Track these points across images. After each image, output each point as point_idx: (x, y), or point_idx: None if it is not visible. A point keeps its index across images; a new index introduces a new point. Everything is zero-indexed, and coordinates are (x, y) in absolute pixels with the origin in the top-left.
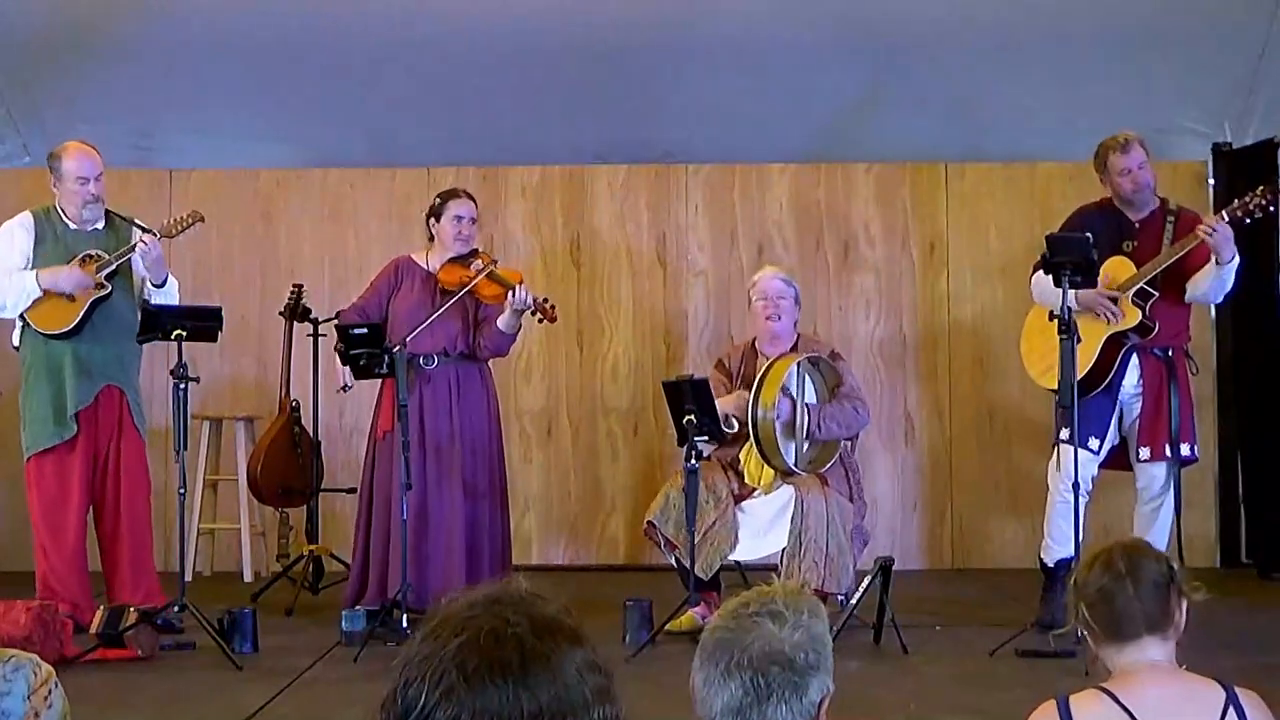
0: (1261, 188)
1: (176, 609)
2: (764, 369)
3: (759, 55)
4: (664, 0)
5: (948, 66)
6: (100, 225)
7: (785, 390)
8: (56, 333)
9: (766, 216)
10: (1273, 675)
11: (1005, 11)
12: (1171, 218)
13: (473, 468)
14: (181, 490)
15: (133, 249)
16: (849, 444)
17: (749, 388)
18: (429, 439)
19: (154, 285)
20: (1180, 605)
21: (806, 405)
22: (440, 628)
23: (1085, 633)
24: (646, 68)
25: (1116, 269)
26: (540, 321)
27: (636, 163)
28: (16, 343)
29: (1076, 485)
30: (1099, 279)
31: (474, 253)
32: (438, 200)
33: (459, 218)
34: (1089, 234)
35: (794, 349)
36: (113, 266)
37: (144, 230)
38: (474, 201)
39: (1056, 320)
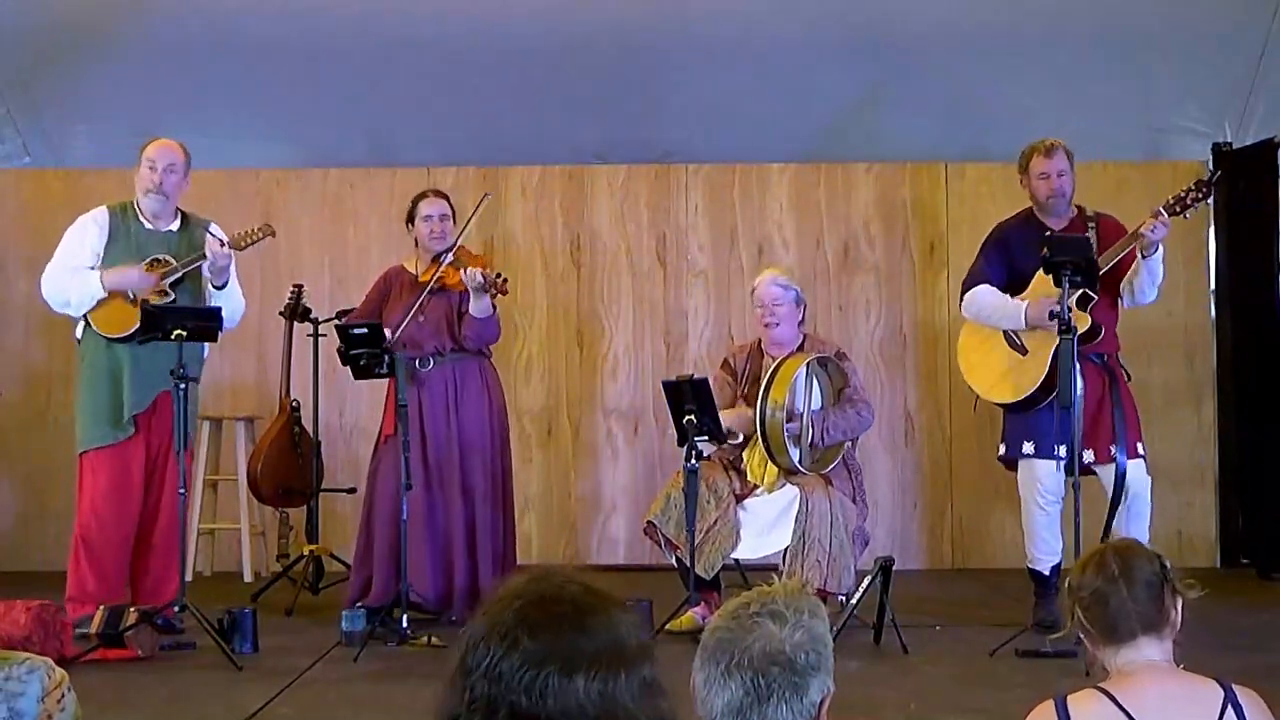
0: (1197, 181)
1: (177, 609)
2: (774, 366)
3: (759, 55)
4: (664, 0)
5: (948, 66)
6: (175, 227)
7: (791, 403)
8: (117, 336)
9: (766, 216)
10: (1273, 675)
11: (1005, 12)
12: (1091, 224)
13: (472, 468)
14: (182, 490)
15: (200, 258)
16: (851, 445)
17: (755, 385)
18: (428, 441)
19: (215, 287)
20: (1175, 604)
21: (811, 415)
22: (499, 601)
23: (1082, 635)
24: (646, 68)
25: (1037, 283)
26: (493, 296)
27: (636, 163)
28: (79, 336)
29: (1077, 486)
30: (1029, 289)
31: (452, 248)
32: (410, 205)
33: (428, 217)
34: (1004, 243)
35: (800, 350)
36: (179, 274)
37: (215, 236)
38: (445, 199)
39: (1057, 322)
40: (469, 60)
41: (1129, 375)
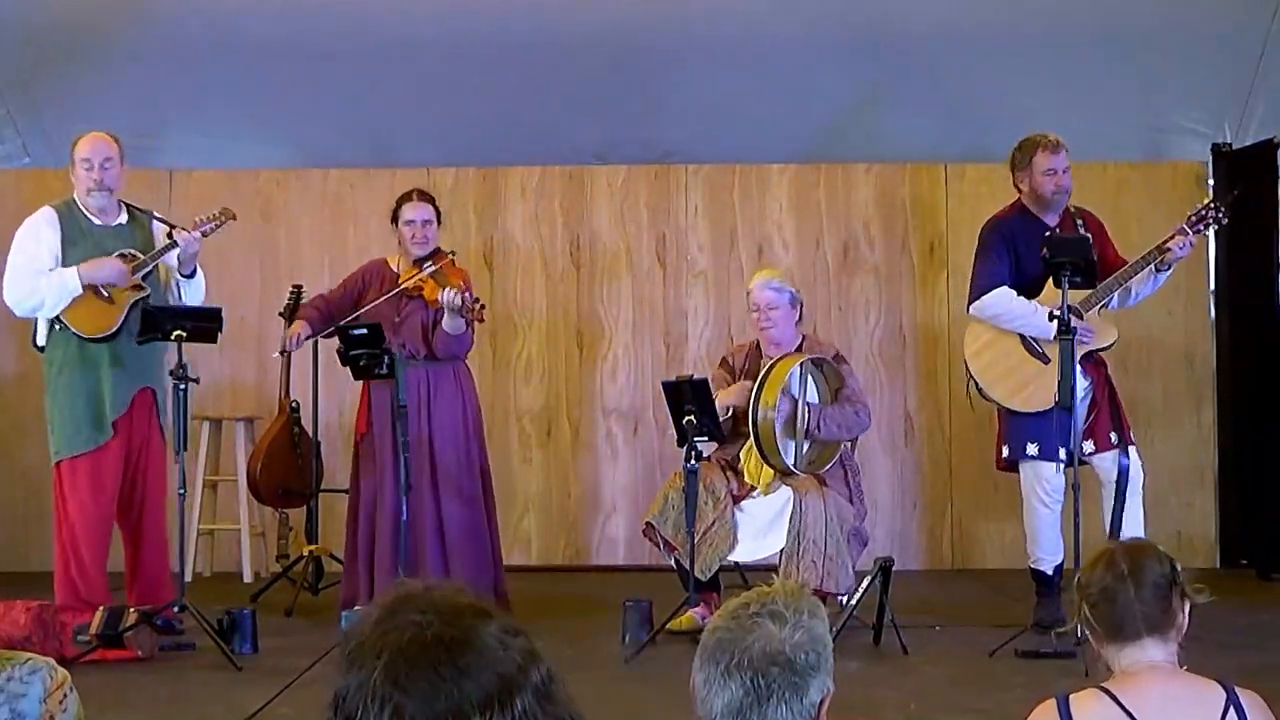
0: (1210, 201)
1: (176, 609)
2: (767, 368)
3: (759, 55)
4: (664, 0)
5: (948, 66)
6: (123, 220)
7: (786, 390)
8: (98, 336)
9: (766, 216)
10: (1272, 675)
11: (1005, 12)
12: (1080, 221)
13: (446, 468)
14: (182, 490)
15: (170, 248)
16: (849, 446)
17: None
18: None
19: (183, 276)
20: (1183, 607)
21: (808, 404)
22: (359, 654)
23: (1087, 632)
24: (646, 68)
25: (1049, 287)
26: (469, 322)
27: (636, 163)
28: (43, 342)
29: (1077, 487)
30: (1043, 294)
31: (436, 253)
32: (395, 205)
33: (410, 222)
34: (1010, 241)
35: (798, 351)
36: (149, 267)
37: (163, 221)
38: (429, 202)
39: (1057, 323)
40: (469, 60)
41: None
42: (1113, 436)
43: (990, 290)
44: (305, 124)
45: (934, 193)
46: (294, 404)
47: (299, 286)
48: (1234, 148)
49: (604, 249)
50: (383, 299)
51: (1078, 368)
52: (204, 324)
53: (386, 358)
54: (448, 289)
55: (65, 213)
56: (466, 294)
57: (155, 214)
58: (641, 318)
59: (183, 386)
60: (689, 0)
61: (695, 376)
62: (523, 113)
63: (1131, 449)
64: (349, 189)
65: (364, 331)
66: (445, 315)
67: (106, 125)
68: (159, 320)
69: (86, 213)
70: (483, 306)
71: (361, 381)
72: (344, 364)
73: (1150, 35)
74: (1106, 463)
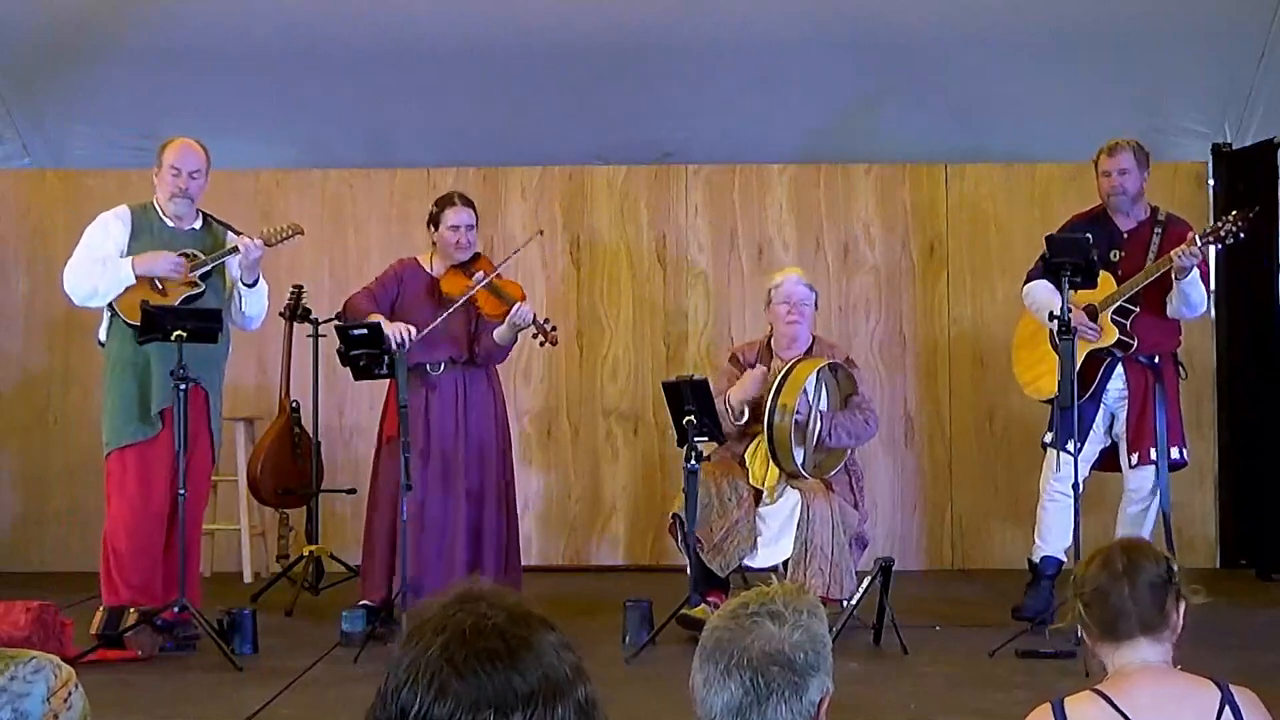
0: (1235, 213)
1: (176, 609)
2: (785, 370)
3: (759, 55)
4: (664, 0)
5: (948, 66)
6: (197, 225)
7: (804, 394)
8: None
9: (766, 216)
10: (1271, 675)
11: (1006, 12)
12: (1159, 229)
13: (478, 473)
14: (182, 491)
15: (231, 251)
16: (852, 451)
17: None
18: (434, 444)
19: (246, 285)
20: (1178, 607)
21: (820, 412)
22: (419, 631)
23: (1082, 630)
24: (646, 68)
25: (1100, 284)
26: (541, 345)
27: (636, 163)
28: (104, 338)
29: (1076, 486)
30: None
31: (476, 258)
32: (435, 208)
33: (455, 226)
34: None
35: (809, 352)
36: (208, 267)
37: (239, 235)
38: (471, 207)
39: (1057, 323)
40: (469, 60)
41: (1185, 373)
42: (1153, 452)
43: (1030, 281)
44: (305, 124)
45: (934, 193)
46: (294, 404)
47: (299, 287)
48: (1234, 148)
49: (604, 249)
50: (445, 316)
51: (1118, 370)
52: (204, 324)
53: (386, 358)
54: (521, 306)
55: (139, 212)
56: (536, 315)
57: (233, 228)
58: (641, 318)
59: (182, 386)
60: (689, 1)
61: (695, 376)
62: (523, 113)
63: (1150, 468)
64: (349, 189)
65: (364, 331)
66: (504, 327)
67: (106, 125)
68: (159, 320)
69: (162, 215)
70: (554, 329)
71: (380, 382)
72: (344, 364)
73: (1150, 35)
74: (1141, 476)
